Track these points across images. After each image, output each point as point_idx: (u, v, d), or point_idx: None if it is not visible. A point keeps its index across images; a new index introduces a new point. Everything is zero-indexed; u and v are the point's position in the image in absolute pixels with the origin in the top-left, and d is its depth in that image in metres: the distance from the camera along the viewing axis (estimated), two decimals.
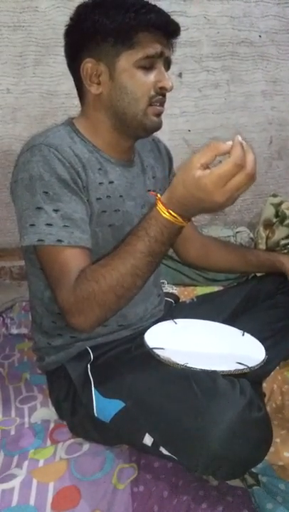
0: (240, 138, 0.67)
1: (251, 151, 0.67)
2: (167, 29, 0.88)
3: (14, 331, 1.55)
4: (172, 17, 0.89)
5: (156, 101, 0.90)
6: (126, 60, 0.87)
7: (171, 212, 0.74)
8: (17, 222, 0.89)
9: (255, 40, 1.96)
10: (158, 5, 0.88)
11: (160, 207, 0.75)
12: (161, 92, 0.90)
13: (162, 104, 0.92)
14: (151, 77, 0.89)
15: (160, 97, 0.91)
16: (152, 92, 0.89)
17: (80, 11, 0.89)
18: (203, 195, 0.69)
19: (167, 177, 1.15)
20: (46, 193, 0.84)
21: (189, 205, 0.73)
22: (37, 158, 0.84)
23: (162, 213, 0.75)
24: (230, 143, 0.67)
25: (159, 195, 0.77)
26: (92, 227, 0.92)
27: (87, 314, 0.81)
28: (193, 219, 0.83)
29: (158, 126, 0.94)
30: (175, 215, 0.75)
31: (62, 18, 1.72)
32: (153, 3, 0.88)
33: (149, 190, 1.04)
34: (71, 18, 0.91)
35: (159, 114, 0.93)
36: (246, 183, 0.68)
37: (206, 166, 0.69)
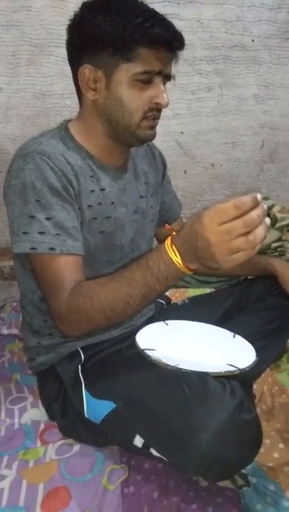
0: (259, 196, 0.66)
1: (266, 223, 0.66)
2: (170, 46, 0.85)
3: (5, 331, 1.54)
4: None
5: (151, 115, 0.90)
6: (123, 73, 0.85)
7: (173, 247, 0.73)
8: (9, 227, 0.89)
9: (247, 44, 1.97)
10: (152, 7, 0.85)
11: (167, 240, 0.75)
12: (156, 107, 0.89)
13: (157, 117, 0.91)
14: (148, 91, 0.87)
15: (155, 112, 0.90)
16: (147, 107, 0.88)
17: (84, 12, 0.86)
18: (207, 254, 0.68)
19: (160, 183, 1.15)
20: (38, 201, 0.84)
21: (190, 250, 0.71)
22: (29, 167, 0.84)
23: (166, 246, 0.74)
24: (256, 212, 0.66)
25: (174, 231, 0.77)
26: (84, 234, 0.92)
27: (75, 325, 0.84)
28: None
29: (151, 138, 0.94)
30: (175, 250, 0.73)
31: (55, 18, 1.72)
32: (147, 4, 0.85)
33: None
34: (75, 15, 0.87)
35: (152, 127, 0.92)
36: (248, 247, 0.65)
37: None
